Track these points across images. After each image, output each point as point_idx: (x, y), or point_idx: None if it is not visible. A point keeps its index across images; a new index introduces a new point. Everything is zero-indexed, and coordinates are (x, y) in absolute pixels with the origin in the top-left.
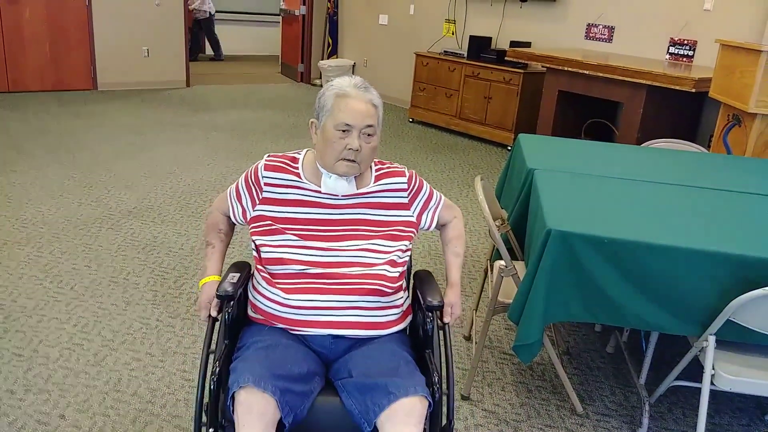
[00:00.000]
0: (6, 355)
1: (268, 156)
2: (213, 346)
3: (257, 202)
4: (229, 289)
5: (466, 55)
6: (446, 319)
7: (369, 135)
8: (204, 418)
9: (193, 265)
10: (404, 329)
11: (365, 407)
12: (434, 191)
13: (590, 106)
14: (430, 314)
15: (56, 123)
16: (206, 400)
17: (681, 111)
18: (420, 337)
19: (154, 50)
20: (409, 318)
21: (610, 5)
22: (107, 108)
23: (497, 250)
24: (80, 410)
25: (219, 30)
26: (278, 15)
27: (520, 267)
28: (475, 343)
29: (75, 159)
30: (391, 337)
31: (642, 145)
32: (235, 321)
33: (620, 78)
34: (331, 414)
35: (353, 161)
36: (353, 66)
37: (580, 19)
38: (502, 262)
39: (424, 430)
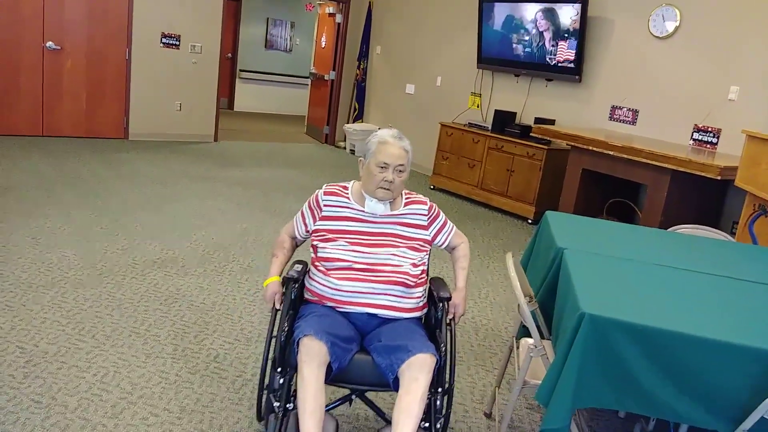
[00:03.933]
0: (25, 401)
1: (327, 185)
2: (275, 331)
3: (317, 219)
4: (295, 274)
5: (490, 128)
6: (450, 316)
7: (400, 171)
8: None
9: (213, 321)
10: (420, 318)
11: (390, 362)
12: (448, 221)
13: (613, 186)
14: (441, 304)
15: (87, 169)
16: (272, 355)
17: (704, 196)
18: (432, 325)
19: (187, 105)
20: (425, 310)
21: (635, 89)
22: (137, 158)
23: (523, 327)
24: None
25: (250, 88)
26: (307, 78)
27: (547, 346)
28: (498, 422)
29: (103, 206)
30: (411, 320)
31: (669, 229)
32: (297, 298)
33: (645, 161)
34: (365, 367)
35: (388, 189)
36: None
37: (605, 100)
38: (531, 341)
39: (432, 382)
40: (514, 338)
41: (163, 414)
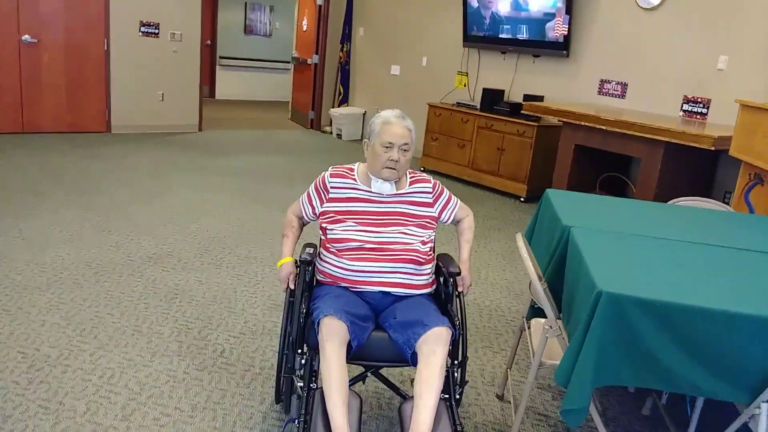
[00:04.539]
0: (32, 407)
1: (332, 167)
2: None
3: (325, 201)
4: (308, 257)
5: (479, 107)
6: (460, 289)
7: (405, 150)
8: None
9: (216, 316)
10: (431, 293)
11: (407, 337)
12: (452, 196)
13: (604, 160)
14: (451, 279)
15: (72, 165)
16: (292, 337)
17: (696, 167)
18: (443, 300)
19: (169, 95)
20: (434, 286)
21: (623, 62)
22: (122, 151)
23: (532, 307)
24: None
25: (231, 75)
26: (289, 62)
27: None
28: (514, 404)
29: (92, 202)
30: (423, 296)
31: (668, 202)
32: (310, 281)
33: (639, 134)
34: (382, 344)
35: (394, 168)
36: (364, 114)
37: (594, 74)
38: (545, 322)
39: (449, 354)
40: (524, 319)
41: (174, 413)
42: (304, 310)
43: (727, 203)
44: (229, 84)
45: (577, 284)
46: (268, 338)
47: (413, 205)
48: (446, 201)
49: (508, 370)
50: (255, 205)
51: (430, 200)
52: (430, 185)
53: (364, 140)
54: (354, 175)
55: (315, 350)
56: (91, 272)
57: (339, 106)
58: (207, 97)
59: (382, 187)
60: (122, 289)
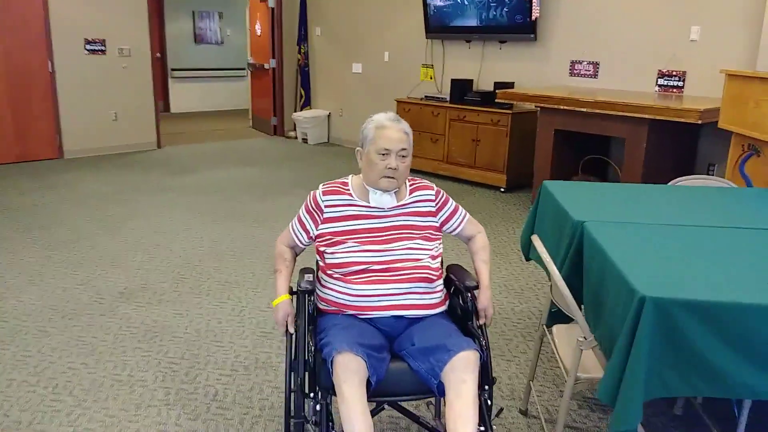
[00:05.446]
0: None
1: (323, 185)
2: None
3: (320, 222)
4: (308, 286)
5: (449, 99)
6: (481, 321)
7: (403, 156)
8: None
9: (203, 352)
10: (446, 311)
11: (430, 365)
12: (459, 207)
13: (584, 143)
14: (468, 294)
15: (25, 198)
16: (300, 378)
17: (679, 142)
18: (458, 315)
19: (123, 113)
20: (447, 302)
21: (593, 41)
22: (78, 177)
23: (551, 312)
24: None
25: (185, 87)
26: (243, 69)
27: (572, 330)
28: (543, 421)
29: (52, 237)
30: (439, 315)
31: (671, 182)
32: (312, 312)
33: (622, 114)
34: (402, 376)
35: (392, 177)
36: (328, 116)
37: (563, 56)
38: (568, 328)
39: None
40: (544, 326)
41: None
42: (313, 349)
43: (713, 175)
44: (183, 96)
45: (604, 286)
46: (263, 372)
47: (416, 215)
48: (452, 211)
49: (530, 382)
50: (228, 223)
51: (433, 209)
52: (433, 192)
53: (357, 149)
54: (349, 189)
55: (327, 391)
56: (58, 317)
57: (302, 110)
58: (162, 111)
59: (381, 200)
60: (95, 333)
